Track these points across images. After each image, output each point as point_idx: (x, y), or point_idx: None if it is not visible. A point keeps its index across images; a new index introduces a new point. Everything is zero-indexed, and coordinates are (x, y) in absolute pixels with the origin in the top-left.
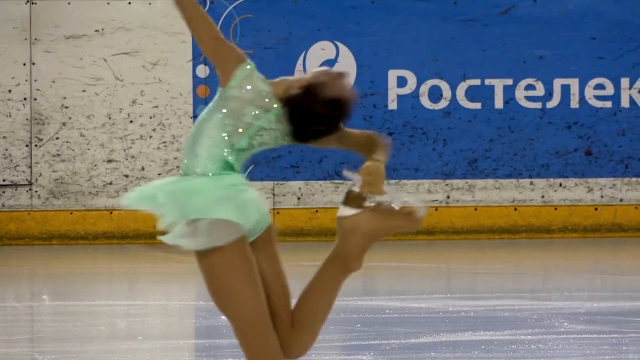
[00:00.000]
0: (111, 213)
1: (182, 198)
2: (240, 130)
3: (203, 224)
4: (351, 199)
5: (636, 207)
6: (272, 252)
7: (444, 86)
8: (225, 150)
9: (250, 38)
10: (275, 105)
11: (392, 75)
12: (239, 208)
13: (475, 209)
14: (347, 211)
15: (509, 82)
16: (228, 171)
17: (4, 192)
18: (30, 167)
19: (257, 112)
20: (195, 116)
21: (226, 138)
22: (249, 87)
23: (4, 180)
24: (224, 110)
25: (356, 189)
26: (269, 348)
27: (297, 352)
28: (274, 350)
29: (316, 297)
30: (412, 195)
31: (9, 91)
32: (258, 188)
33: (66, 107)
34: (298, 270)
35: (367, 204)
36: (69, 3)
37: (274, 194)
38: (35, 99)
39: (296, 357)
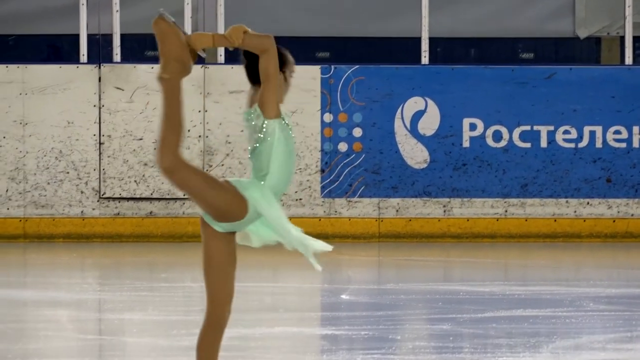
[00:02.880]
0: None
1: None
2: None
3: None
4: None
5: None
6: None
7: (504, 130)
8: None
9: (363, 94)
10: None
11: (466, 122)
12: None
13: (526, 220)
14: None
15: (551, 128)
16: None
17: (184, 203)
18: None
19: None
20: (322, 150)
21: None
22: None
23: (184, 195)
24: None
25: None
26: None
27: None
28: None
29: None
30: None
31: (189, 130)
32: (367, 204)
33: (229, 143)
34: (399, 263)
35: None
36: (232, 67)
37: (379, 207)
38: (207, 137)
39: None
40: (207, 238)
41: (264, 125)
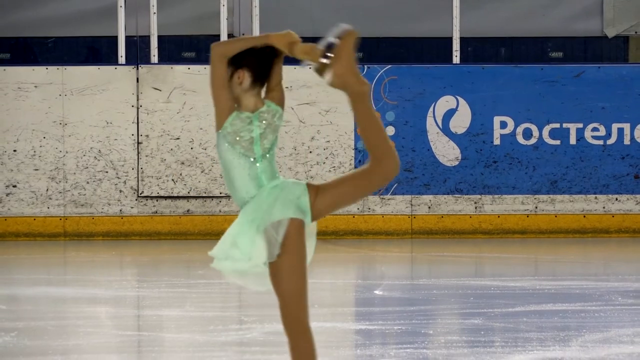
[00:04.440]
0: None
1: None
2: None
3: None
4: (321, 69)
5: None
6: None
7: (534, 128)
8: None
9: (395, 93)
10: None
11: (497, 120)
12: None
13: (556, 216)
14: (327, 76)
15: (580, 125)
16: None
17: (220, 201)
18: None
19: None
20: (355, 149)
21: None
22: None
23: (220, 193)
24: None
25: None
26: None
27: None
28: None
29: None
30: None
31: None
32: (400, 201)
33: None
34: (432, 259)
35: (324, 60)
36: None
37: (411, 204)
38: None
39: None
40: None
41: (278, 124)
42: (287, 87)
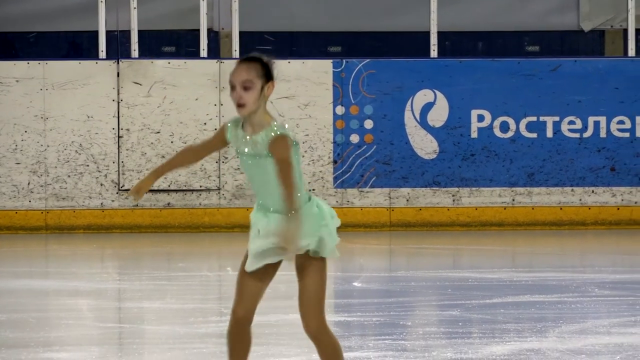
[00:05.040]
0: None
1: None
2: None
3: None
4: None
5: None
6: None
7: (511, 121)
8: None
9: (373, 87)
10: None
11: (474, 113)
12: None
13: (533, 209)
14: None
15: (557, 118)
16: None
17: (200, 195)
18: (219, 177)
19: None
20: (334, 142)
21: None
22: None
23: (200, 186)
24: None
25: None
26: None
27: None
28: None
29: None
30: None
31: (205, 124)
32: (378, 194)
33: None
34: (410, 251)
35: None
36: None
37: (390, 197)
38: None
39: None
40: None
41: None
42: None
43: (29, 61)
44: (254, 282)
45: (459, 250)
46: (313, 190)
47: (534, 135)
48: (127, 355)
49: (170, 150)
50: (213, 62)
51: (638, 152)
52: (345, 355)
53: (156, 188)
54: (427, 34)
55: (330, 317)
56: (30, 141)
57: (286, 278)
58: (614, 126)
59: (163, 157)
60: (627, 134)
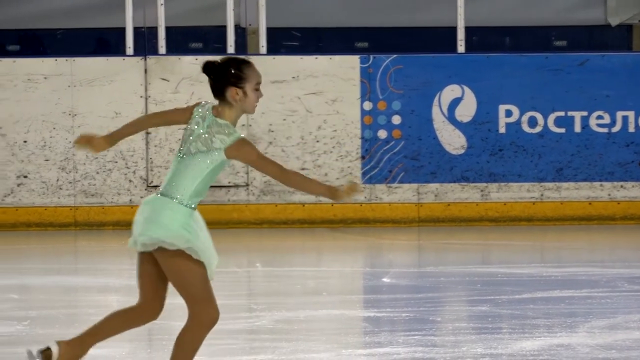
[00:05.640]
0: (304, 206)
1: None
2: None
3: None
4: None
5: None
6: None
7: (539, 116)
8: None
9: (401, 82)
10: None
11: (502, 108)
12: None
13: (561, 203)
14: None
15: (585, 113)
16: None
17: (228, 191)
18: (247, 173)
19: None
20: (362, 138)
21: None
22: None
23: (228, 183)
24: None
25: None
26: None
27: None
28: None
29: None
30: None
31: None
32: (406, 189)
33: (272, 131)
34: (439, 247)
35: None
36: (273, 58)
37: (418, 193)
38: (250, 125)
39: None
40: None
41: (216, 152)
42: (293, 77)
43: (56, 58)
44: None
45: (487, 245)
46: (341, 186)
47: (562, 130)
48: (156, 351)
49: None
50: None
51: None
52: (375, 350)
53: None
54: (454, 29)
55: (360, 313)
56: (58, 138)
57: (313, 274)
58: None
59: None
60: None
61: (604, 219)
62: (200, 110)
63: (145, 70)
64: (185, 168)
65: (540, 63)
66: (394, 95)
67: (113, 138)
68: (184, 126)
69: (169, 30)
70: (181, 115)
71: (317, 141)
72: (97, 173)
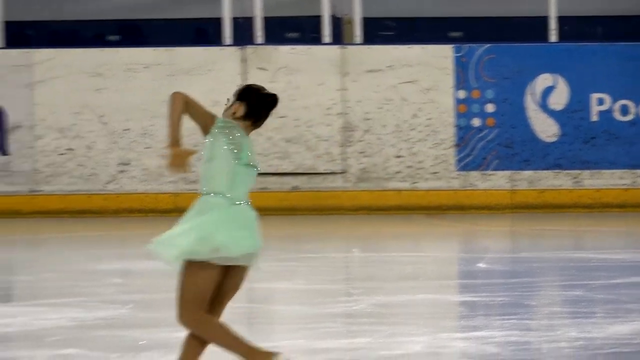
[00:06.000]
0: (400, 192)
1: None
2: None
3: None
4: None
5: None
6: None
7: (631, 105)
8: None
9: (494, 71)
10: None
11: (594, 97)
12: None
13: None
14: None
15: None
16: None
17: (325, 178)
18: (344, 160)
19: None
20: (456, 126)
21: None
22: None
23: (325, 170)
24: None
25: None
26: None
27: None
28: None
29: None
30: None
31: (328, 108)
32: (500, 176)
33: (367, 119)
34: (532, 233)
35: None
36: (369, 48)
37: (512, 180)
38: (346, 114)
39: None
40: None
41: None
42: (388, 66)
43: (156, 48)
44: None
45: (580, 231)
46: (436, 173)
47: None
48: (256, 334)
49: (296, 134)
50: (336, 48)
51: None
52: (470, 334)
53: (282, 172)
54: (546, 19)
55: (456, 297)
56: (158, 126)
57: (410, 260)
58: None
59: (288, 141)
60: None
61: None
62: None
63: (243, 60)
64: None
65: (632, 52)
66: (488, 84)
67: (180, 137)
68: (281, 114)
69: (266, 20)
70: (205, 118)
71: (412, 129)
72: (197, 160)
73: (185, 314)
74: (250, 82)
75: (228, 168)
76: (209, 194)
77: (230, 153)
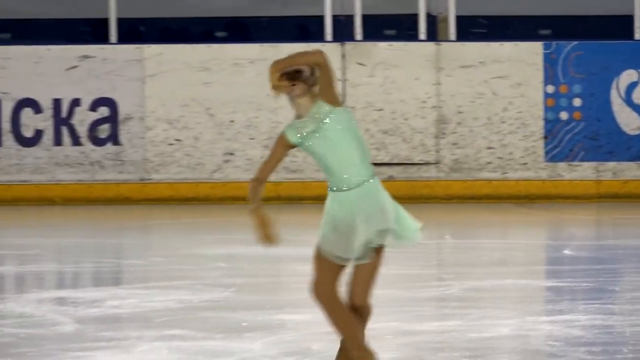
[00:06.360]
0: (490, 182)
1: None
2: None
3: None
4: None
5: None
6: None
7: None
8: None
9: (581, 67)
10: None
11: None
12: None
13: None
14: None
15: None
16: None
17: (420, 168)
18: (438, 151)
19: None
20: (545, 119)
21: None
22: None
23: (419, 160)
24: None
25: None
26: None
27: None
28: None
29: None
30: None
31: (424, 102)
32: (586, 167)
33: (460, 113)
34: (617, 221)
35: None
36: (462, 44)
37: (597, 171)
38: (440, 107)
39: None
40: None
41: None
42: (480, 62)
43: (261, 44)
44: None
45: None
46: (526, 164)
47: None
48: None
49: (392, 126)
50: (431, 45)
51: None
52: (556, 318)
53: (379, 161)
54: (631, 17)
55: (542, 283)
56: (262, 118)
57: (499, 246)
58: None
59: (385, 132)
60: None
61: None
62: (290, 132)
63: (343, 55)
64: None
65: None
66: (575, 79)
67: (262, 210)
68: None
69: (364, 18)
70: (283, 152)
71: (503, 122)
72: (299, 151)
73: (370, 297)
74: (348, 76)
75: (323, 163)
76: (367, 179)
77: (315, 153)
